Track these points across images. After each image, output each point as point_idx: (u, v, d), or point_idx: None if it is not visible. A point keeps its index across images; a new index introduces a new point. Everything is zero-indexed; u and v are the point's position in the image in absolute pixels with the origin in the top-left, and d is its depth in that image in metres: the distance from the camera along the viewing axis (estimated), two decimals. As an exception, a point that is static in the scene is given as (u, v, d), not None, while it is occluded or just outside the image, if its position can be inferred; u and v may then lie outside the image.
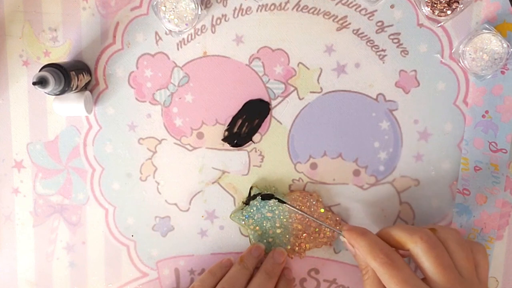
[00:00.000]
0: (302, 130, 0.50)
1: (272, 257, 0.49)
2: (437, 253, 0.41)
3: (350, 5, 0.48)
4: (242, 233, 0.52)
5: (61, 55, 0.50)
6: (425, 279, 0.41)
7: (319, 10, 0.48)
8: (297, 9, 0.48)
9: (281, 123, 0.50)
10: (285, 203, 0.49)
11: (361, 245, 0.43)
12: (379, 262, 0.41)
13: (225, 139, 0.50)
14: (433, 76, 0.48)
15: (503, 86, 0.47)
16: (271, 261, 0.49)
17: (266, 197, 0.49)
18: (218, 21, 0.49)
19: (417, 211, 0.50)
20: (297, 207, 0.49)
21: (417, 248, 0.41)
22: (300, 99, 0.49)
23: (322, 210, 0.50)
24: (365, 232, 0.44)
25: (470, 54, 0.46)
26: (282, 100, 0.50)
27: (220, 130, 0.50)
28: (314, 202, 0.50)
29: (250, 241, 0.51)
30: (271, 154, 0.50)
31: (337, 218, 0.50)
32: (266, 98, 0.50)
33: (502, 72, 0.47)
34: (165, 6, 0.47)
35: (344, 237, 0.45)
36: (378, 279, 0.42)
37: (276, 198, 0.49)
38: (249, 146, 0.50)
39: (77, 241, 0.52)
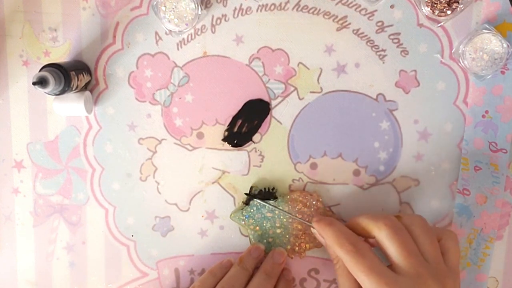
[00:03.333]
0: (302, 130, 0.50)
1: (271, 257, 0.49)
2: (401, 238, 0.42)
3: (350, 5, 0.48)
4: (242, 233, 0.52)
5: (61, 55, 0.50)
6: (390, 266, 0.42)
7: (319, 10, 0.48)
8: (297, 9, 0.48)
9: (281, 123, 0.50)
10: (272, 204, 0.49)
11: (328, 235, 0.44)
12: (344, 251, 0.42)
13: (225, 139, 0.50)
14: (433, 76, 0.48)
15: (503, 86, 0.47)
16: (270, 261, 0.49)
17: (265, 195, 0.50)
18: (218, 21, 0.49)
19: (417, 211, 0.50)
20: (293, 209, 0.49)
21: (382, 234, 0.42)
22: (300, 99, 0.49)
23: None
24: (332, 222, 0.45)
25: (470, 54, 0.46)
26: (282, 100, 0.50)
27: (220, 130, 0.50)
28: (314, 202, 0.50)
29: (250, 241, 0.51)
30: (271, 154, 0.50)
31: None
32: (266, 98, 0.50)
33: (502, 72, 0.47)
34: (165, 6, 0.47)
35: (314, 228, 0.46)
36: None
37: (266, 199, 0.49)
38: (249, 146, 0.50)
39: (77, 241, 0.52)
